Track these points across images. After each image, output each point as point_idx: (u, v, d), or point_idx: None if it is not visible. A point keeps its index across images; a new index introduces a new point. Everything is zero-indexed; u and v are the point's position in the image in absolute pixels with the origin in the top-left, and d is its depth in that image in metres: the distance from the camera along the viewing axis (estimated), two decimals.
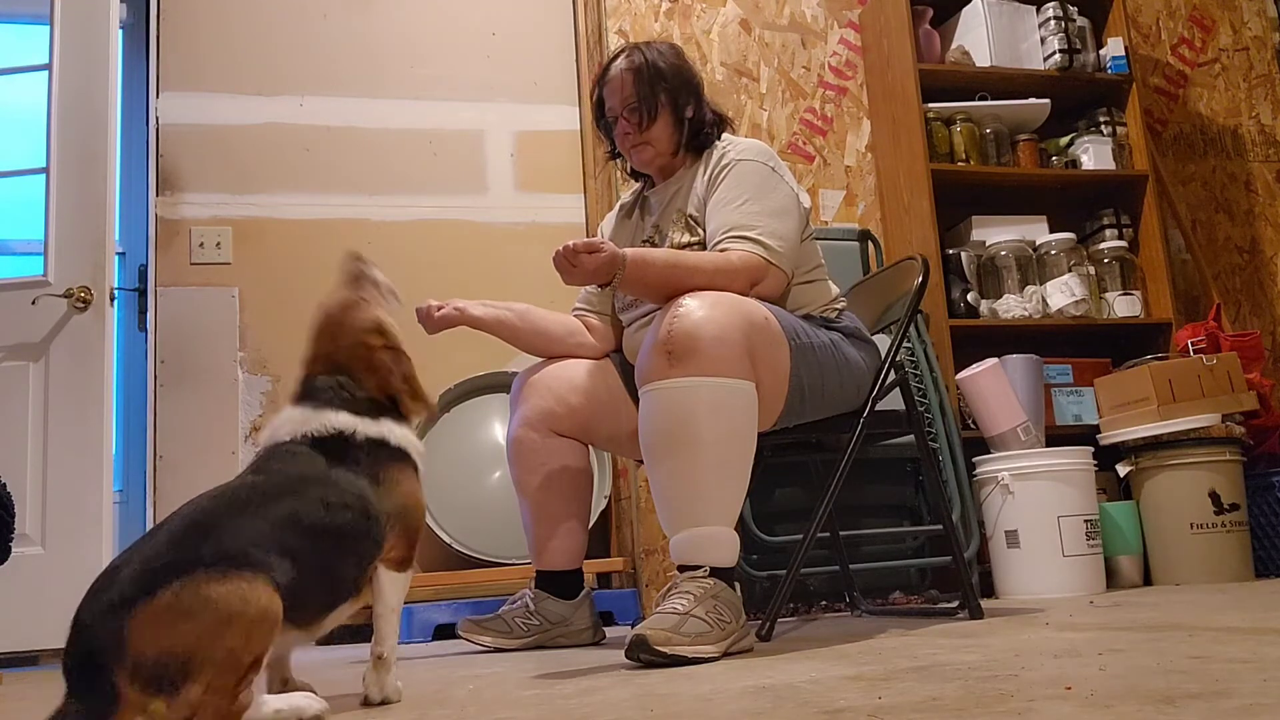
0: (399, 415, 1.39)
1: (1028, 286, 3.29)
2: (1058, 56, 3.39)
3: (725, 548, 1.72)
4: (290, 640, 1.23)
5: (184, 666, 1.02)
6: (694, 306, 1.72)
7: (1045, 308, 3.28)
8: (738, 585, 1.77)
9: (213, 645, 1.04)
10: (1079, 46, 3.42)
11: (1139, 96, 3.47)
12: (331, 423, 1.32)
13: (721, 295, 1.76)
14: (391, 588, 1.33)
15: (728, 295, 1.76)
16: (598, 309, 2.25)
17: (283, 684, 1.35)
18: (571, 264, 1.75)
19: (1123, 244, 3.43)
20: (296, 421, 1.33)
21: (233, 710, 1.05)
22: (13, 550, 2.29)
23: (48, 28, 3.09)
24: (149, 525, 3.03)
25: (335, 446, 1.30)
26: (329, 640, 2.89)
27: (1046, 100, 3.42)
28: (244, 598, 1.07)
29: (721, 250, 1.89)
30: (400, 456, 1.36)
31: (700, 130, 2.09)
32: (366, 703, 1.33)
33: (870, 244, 3.22)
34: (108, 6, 3.08)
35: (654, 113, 2.06)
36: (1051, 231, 3.37)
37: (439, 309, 2.13)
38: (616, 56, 2.13)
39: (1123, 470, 3.02)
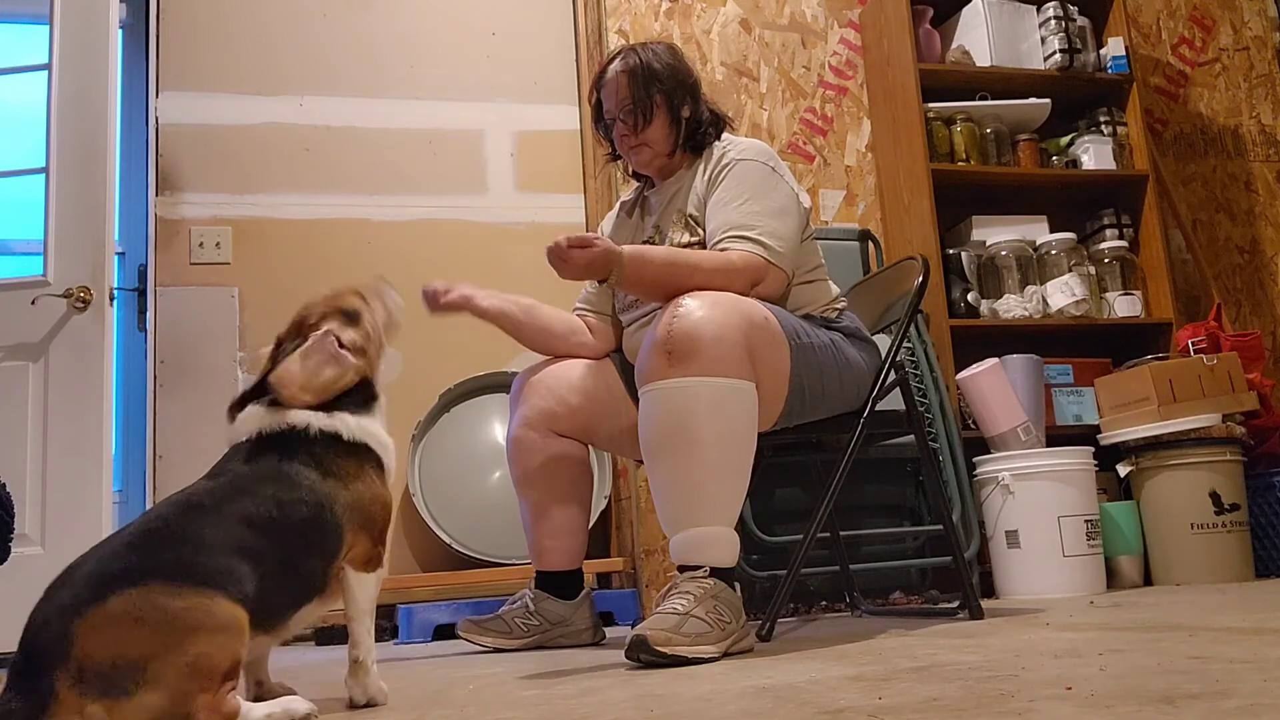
0: (360, 407, 1.38)
1: (1028, 286, 3.29)
2: (1058, 56, 3.39)
3: (725, 548, 1.72)
4: (257, 644, 1.22)
5: (138, 673, 1.02)
6: (694, 306, 1.72)
7: (1045, 308, 3.28)
8: (738, 585, 1.77)
9: (173, 654, 1.04)
10: (1079, 46, 3.42)
11: (1139, 96, 3.47)
12: (285, 419, 1.32)
13: (721, 295, 1.75)
14: (360, 589, 1.32)
15: (727, 295, 1.76)
16: (598, 309, 2.25)
17: (257, 685, 1.34)
18: (563, 259, 1.75)
19: (1123, 244, 3.43)
20: (254, 419, 1.33)
21: (222, 713, 1.05)
22: (12, 550, 2.29)
23: (47, 28, 3.09)
24: None
25: (290, 442, 1.30)
26: (330, 640, 2.89)
27: (1047, 100, 3.41)
28: (205, 609, 1.07)
29: (721, 250, 1.88)
30: (357, 450, 1.34)
31: (698, 130, 2.09)
32: (352, 705, 1.33)
33: (870, 244, 3.22)
34: (108, 6, 3.08)
35: (649, 114, 2.06)
36: (1052, 231, 3.37)
37: (445, 292, 2.11)
38: (613, 59, 2.13)
39: (1123, 470, 3.02)
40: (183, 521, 1.15)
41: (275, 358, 1.39)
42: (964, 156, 3.33)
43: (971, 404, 2.92)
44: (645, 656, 1.54)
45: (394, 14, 3.58)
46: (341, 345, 1.37)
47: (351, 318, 1.42)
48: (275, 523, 1.21)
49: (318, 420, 1.32)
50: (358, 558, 1.32)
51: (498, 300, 2.15)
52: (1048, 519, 2.75)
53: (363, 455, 1.35)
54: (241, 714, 1.07)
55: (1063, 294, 3.24)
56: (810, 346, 1.88)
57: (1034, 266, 3.32)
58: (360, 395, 1.39)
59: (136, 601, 1.05)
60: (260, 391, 1.36)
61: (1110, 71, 3.46)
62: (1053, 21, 3.41)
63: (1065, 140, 3.49)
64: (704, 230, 1.99)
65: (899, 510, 3.08)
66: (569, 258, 1.75)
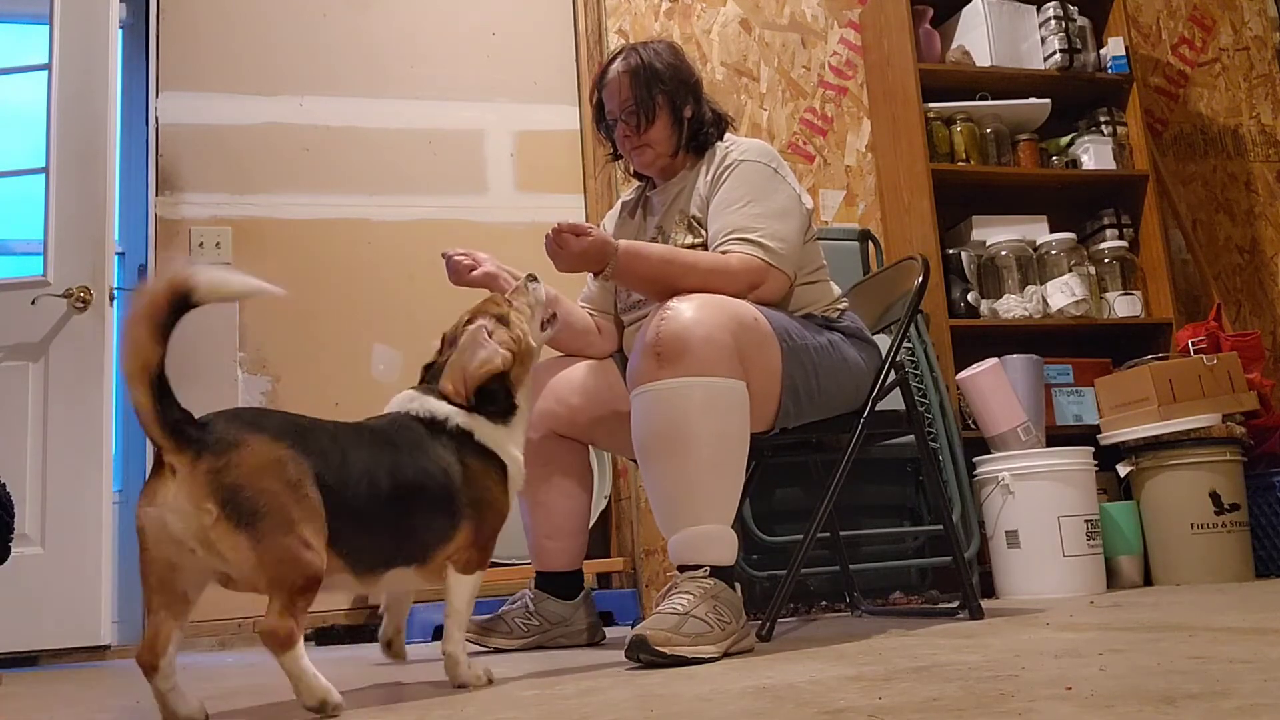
0: (499, 416, 1.50)
1: (1028, 286, 3.29)
2: (1058, 56, 3.39)
3: (724, 546, 1.72)
4: (341, 582, 1.30)
5: (254, 512, 1.13)
6: (682, 308, 1.72)
7: (1045, 308, 3.28)
8: (738, 585, 1.77)
9: (280, 527, 1.14)
10: (1079, 46, 3.42)
11: (1139, 96, 3.47)
12: (429, 407, 1.45)
13: (710, 297, 1.76)
14: (458, 590, 1.42)
15: (716, 297, 1.77)
16: (601, 308, 2.24)
17: (396, 633, 1.53)
18: (560, 246, 1.76)
19: (1123, 244, 3.43)
20: (405, 400, 1.48)
21: (283, 629, 1.13)
22: (12, 550, 2.29)
23: (48, 28, 3.09)
24: None
25: (432, 426, 1.43)
26: (328, 641, 2.89)
27: (1047, 100, 3.41)
28: (313, 535, 1.17)
29: (723, 253, 1.89)
30: (485, 454, 1.46)
31: (700, 130, 2.09)
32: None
33: (870, 244, 3.22)
34: (108, 6, 3.08)
35: (652, 115, 2.06)
36: (1052, 231, 3.37)
37: (471, 267, 2.05)
38: (614, 59, 2.13)
39: (1123, 470, 3.02)
40: (351, 443, 1.31)
41: (441, 350, 1.58)
42: (964, 156, 3.33)
43: (971, 404, 2.92)
44: (645, 656, 1.54)
45: (394, 14, 3.58)
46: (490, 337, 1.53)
47: (502, 320, 1.57)
48: (411, 485, 1.34)
49: (457, 416, 1.45)
50: (460, 559, 1.41)
51: None
52: (1048, 519, 2.75)
53: (489, 459, 1.46)
54: (297, 648, 1.15)
55: (1063, 294, 3.24)
56: (804, 347, 1.88)
57: (1034, 266, 3.32)
58: (502, 404, 1.51)
59: (294, 462, 1.18)
60: (419, 382, 1.55)
61: (1110, 71, 3.46)
62: (1053, 21, 3.41)
63: (1065, 140, 3.49)
64: (706, 231, 1.99)
65: (899, 510, 3.07)
66: (565, 244, 1.77)
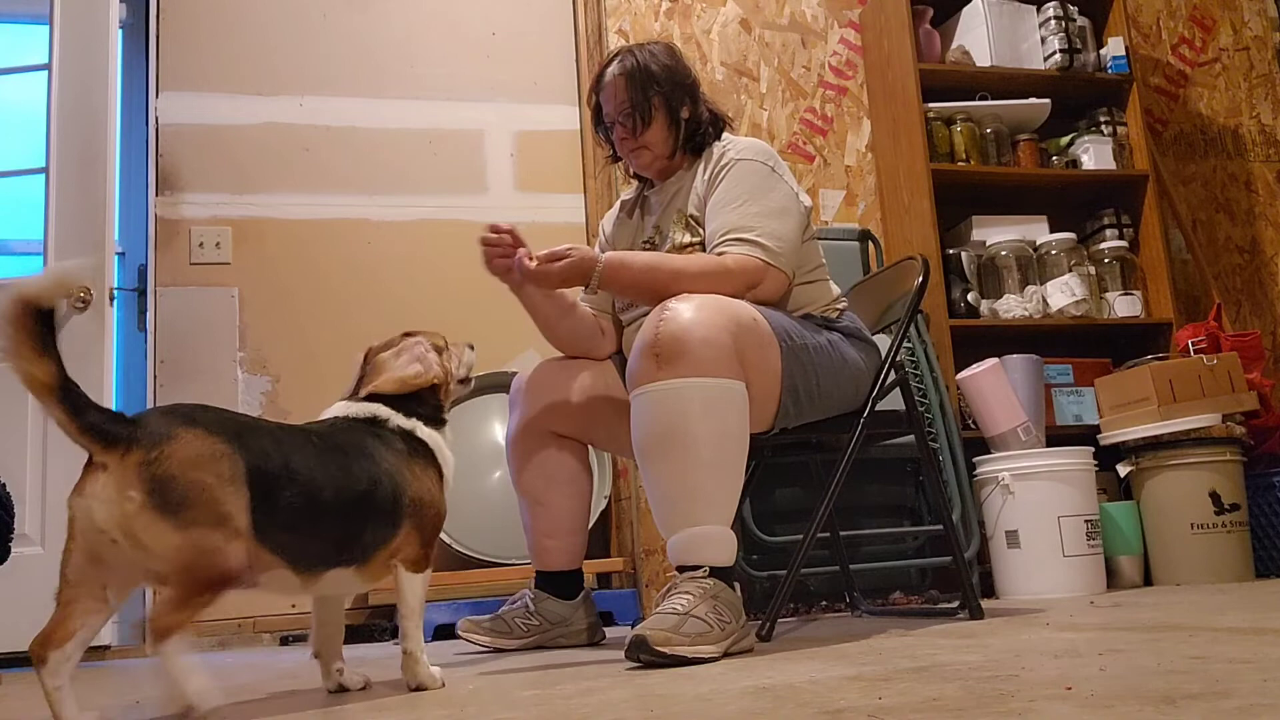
0: (431, 422, 1.52)
1: (1028, 286, 3.29)
2: (1058, 56, 3.39)
3: (723, 546, 1.72)
4: (282, 578, 1.29)
5: (180, 502, 1.12)
6: (681, 309, 1.73)
7: (1045, 308, 3.28)
8: (738, 585, 1.77)
9: (205, 517, 1.14)
10: (1079, 46, 3.42)
11: (1139, 96, 3.47)
12: (369, 409, 1.48)
13: (708, 297, 1.76)
14: (409, 588, 1.44)
15: (715, 297, 1.77)
16: (600, 308, 2.24)
17: (338, 673, 1.49)
18: (543, 274, 1.81)
19: (1123, 244, 3.43)
20: (340, 409, 1.49)
21: (169, 619, 1.11)
22: (13, 550, 2.29)
23: (48, 28, 3.09)
24: None
25: (373, 426, 1.46)
26: None
27: (1047, 100, 3.41)
28: (237, 531, 1.17)
29: (719, 253, 1.89)
30: (425, 452, 1.48)
31: (697, 131, 2.09)
32: (409, 688, 1.45)
33: (870, 244, 3.22)
34: (108, 6, 3.08)
35: (648, 117, 2.06)
36: (1052, 231, 3.37)
37: (512, 249, 1.94)
38: (610, 61, 2.13)
39: (1123, 470, 3.02)
40: (289, 443, 1.31)
41: (366, 360, 1.59)
42: (964, 156, 3.33)
43: (971, 404, 2.92)
44: (645, 656, 1.54)
45: (394, 14, 3.58)
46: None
47: (438, 349, 1.61)
48: (354, 487, 1.35)
49: (396, 418, 1.48)
50: (408, 558, 1.43)
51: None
52: (1048, 519, 2.75)
53: (429, 459, 1.49)
54: (173, 643, 1.12)
55: (1063, 294, 3.24)
56: (804, 347, 1.88)
57: (1034, 266, 3.32)
58: (433, 411, 1.54)
59: (228, 458, 1.17)
60: (349, 396, 1.55)
61: (1110, 71, 3.46)
62: (1053, 21, 3.41)
63: (1065, 140, 3.49)
64: (704, 230, 1.99)
65: (899, 510, 3.08)
66: (548, 271, 1.79)
